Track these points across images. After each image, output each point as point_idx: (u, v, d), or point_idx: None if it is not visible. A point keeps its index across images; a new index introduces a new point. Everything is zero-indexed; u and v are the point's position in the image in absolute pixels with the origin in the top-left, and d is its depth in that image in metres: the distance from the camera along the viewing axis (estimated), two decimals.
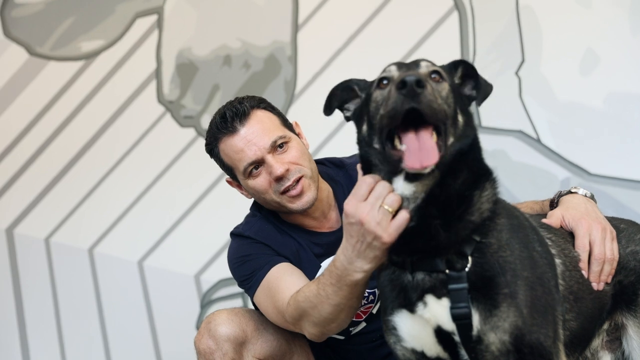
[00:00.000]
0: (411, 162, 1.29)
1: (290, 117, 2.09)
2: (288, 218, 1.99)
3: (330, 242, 1.92)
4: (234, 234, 2.01)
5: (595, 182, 2.84)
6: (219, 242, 3.24)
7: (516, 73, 2.94)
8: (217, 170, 2.14)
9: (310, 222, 1.99)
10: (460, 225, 1.38)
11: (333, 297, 1.57)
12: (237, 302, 3.23)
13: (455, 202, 1.37)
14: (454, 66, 1.47)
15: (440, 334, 1.41)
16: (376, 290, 1.94)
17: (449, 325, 1.38)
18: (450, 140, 1.35)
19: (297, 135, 2.00)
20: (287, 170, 1.88)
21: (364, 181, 1.39)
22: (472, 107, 1.48)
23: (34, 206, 3.50)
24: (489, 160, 1.47)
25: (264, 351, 1.93)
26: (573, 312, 1.54)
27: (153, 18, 3.45)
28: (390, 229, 1.37)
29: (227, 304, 3.22)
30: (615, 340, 1.72)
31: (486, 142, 1.49)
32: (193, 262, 3.32)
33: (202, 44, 3.37)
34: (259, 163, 1.90)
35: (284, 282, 1.81)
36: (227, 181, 2.06)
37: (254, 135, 1.89)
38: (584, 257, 1.62)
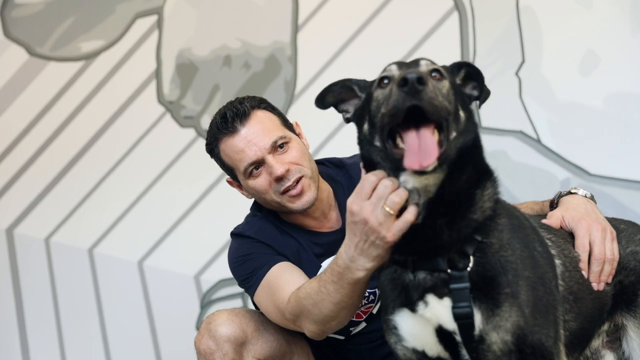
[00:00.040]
0: (410, 162, 1.29)
1: (290, 118, 2.09)
2: (288, 218, 1.99)
3: (330, 242, 1.92)
4: (234, 234, 2.01)
5: (595, 182, 2.84)
6: (219, 242, 3.24)
7: (516, 73, 2.94)
8: (217, 170, 2.14)
9: (310, 222, 1.99)
10: (463, 224, 1.38)
11: (334, 294, 1.57)
12: (237, 303, 3.23)
13: (460, 199, 1.37)
14: (457, 67, 1.47)
15: (442, 333, 1.41)
16: (376, 290, 1.94)
17: (451, 324, 1.38)
18: (453, 134, 1.35)
19: (298, 135, 2.00)
20: (288, 170, 1.88)
21: (367, 179, 1.39)
22: (473, 108, 1.48)
23: (34, 206, 3.50)
24: (489, 160, 1.47)
25: (264, 351, 1.92)
26: (573, 312, 1.54)
27: (153, 18, 3.45)
28: (394, 229, 1.37)
29: (227, 304, 3.22)
30: (616, 341, 1.72)
31: (486, 142, 1.49)
32: (193, 263, 3.32)
33: (202, 44, 3.37)
34: (259, 163, 1.90)
35: (284, 280, 1.81)
36: (228, 181, 2.06)
37: (254, 136, 1.89)
38: (584, 257, 1.62)
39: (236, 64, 3.33)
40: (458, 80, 1.46)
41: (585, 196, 1.79)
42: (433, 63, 1.41)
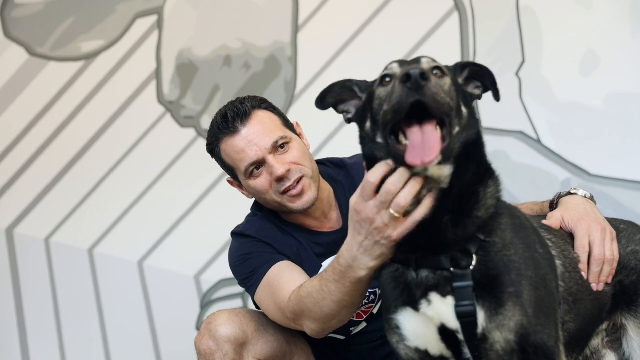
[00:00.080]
0: (412, 158, 1.28)
1: (291, 118, 2.09)
2: (289, 218, 1.99)
3: (331, 242, 1.92)
4: (234, 233, 2.01)
5: (595, 182, 2.84)
6: (219, 242, 3.24)
7: (516, 74, 2.94)
8: (217, 170, 2.14)
9: (311, 222, 1.99)
10: (468, 221, 1.38)
11: (336, 293, 1.57)
12: (237, 303, 3.23)
13: (466, 196, 1.37)
14: (460, 67, 1.47)
15: (444, 332, 1.40)
16: (377, 290, 1.94)
17: (454, 323, 1.38)
18: (456, 129, 1.35)
19: (298, 135, 2.00)
20: (288, 170, 1.88)
21: (368, 181, 1.38)
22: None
23: (34, 206, 3.50)
24: (490, 160, 1.47)
25: (265, 352, 1.92)
26: (572, 313, 1.54)
27: (153, 18, 3.45)
28: (400, 228, 1.37)
29: (227, 304, 3.22)
30: (617, 340, 1.72)
31: (487, 143, 1.49)
32: (193, 263, 3.32)
33: (202, 45, 3.37)
34: (260, 163, 1.90)
35: (285, 279, 1.81)
36: (228, 181, 2.06)
37: (255, 136, 1.89)
38: (583, 258, 1.62)
39: (236, 64, 3.33)
40: (461, 80, 1.46)
41: (585, 196, 1.79)
42: (434, 61, 1.41)
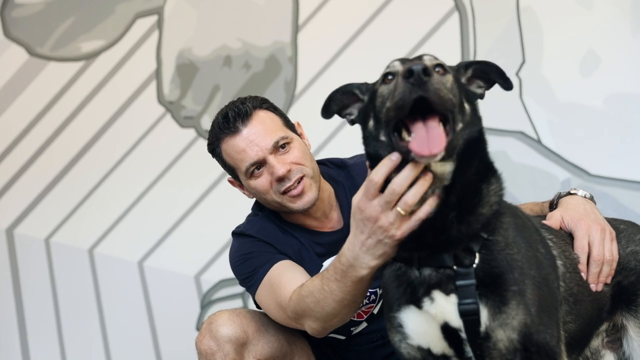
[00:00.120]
0: (419, 148, 1.28)
1: (291, 118, 2.09)
2: (290, 218, 1.99)
3: (332, 242, 1.92)
4: (235, 233, 2.02)
5: (595, 183, 2.84)
6: (219, 242, 3.24)
7: (517, 74, 2.94)
8: (217, 171, 2.15)
9: (311, 222, 1.99)
10: (472, 219, 1.37)
11: (337, 292, 1.57)
12: (238, 303, 3.23)
13: (470, 193, 1.37)
14: (464, 67, 1.47)
15: (447, 330, 1.40)
16: (378, 290, 1.94)
17: (456, 321, 1.38)
18: (460, 125, 1.35)
19: (299, 135, 2.01)
20: (289, 170, 1.89)
21: (372, 180, 1.38)
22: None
23: (34, 206, 3.50)
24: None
25: (265, 352, 1.92)
26: (572, 314, 1.54)
27: (153, 18, 3.45)
28: (404, 227, 1.37)
29: (228, 304, 3.22)
30: (616, 341, 1.72)
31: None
32: (193, 263, 3.32)
33: (203, 45, 3.37)
34: (260, 163, 1.90)
35: (286, 278, 1.81)
36: (229, 181, 2.06)
37: (256, 136, 1.89)
38: (582, 258, 1.62)
39: (236, 64, 3.33)
40: (464, 79, 1.46)
41: (585, 197, 1.79)
42: (436, 58, 1.41)
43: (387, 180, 1.37)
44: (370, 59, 3.03)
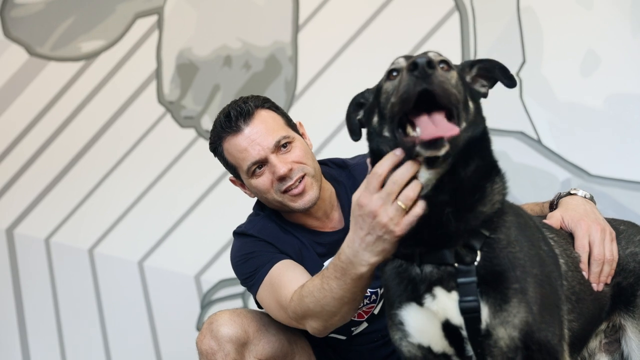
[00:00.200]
0: (429, 133, 1.26)
1: (291, 118, 2.09)
2: (291, 217, 2.00)
3: (333, 242, 1.92)
4: (236, 233, 2.02)
5: (595, 183, 2.84)
6: (220, 242, 3.24)
7: (517, 74, 2.94)
8: (217, 171, 2.15)
9: (312, 222, 1.99)
10: (471, 216, 1.37)
11: (337, 290, 1.57)
12: (238, 303, 3.23)
13: (468, 191, 1.37)
14: (469, 65, 1.47)
15: (448, 328, 1.40)
16: (378, 290, 1.94)
17: (457, 319, 1.38)
18: (463, 125, 1.35)
19: (301, 135, 2.01)
20: (290, 169, 1.89)
21: (375, 173, 1.38)
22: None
23: (34, 206, 3.50)
24: None
25: (266, 352, 1.93)
26: (575, 312, 1.54)
27: (153, 18, 3.45)
28: (403, 223, 1.36)
29: (228, 304, 3.22)
30: (614, 342, 1.72)
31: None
32: (193, 263, 3.32)
33: (203, 44, 3.37)
34: (262, 162, 1.90)
35: (287, 278, 1.81)
36: (231, 180, 2.07)
37: (257, 135, 1.89)
38: (583, 258, 1.62)
39: (236, 64, 3.33)
40: (468, 78, 1.46)
41: (585, 197, 1.79)
42: (440, 55, 1.41)
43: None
44: (371, 59, 3.03)
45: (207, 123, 3.33)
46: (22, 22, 3.58)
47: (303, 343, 2.04)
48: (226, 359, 1.85)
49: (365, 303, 1.95)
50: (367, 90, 1.51)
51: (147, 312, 3.37)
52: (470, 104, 1.39)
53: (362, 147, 1.55)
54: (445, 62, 1.39)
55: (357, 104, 1.52)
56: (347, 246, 1.48)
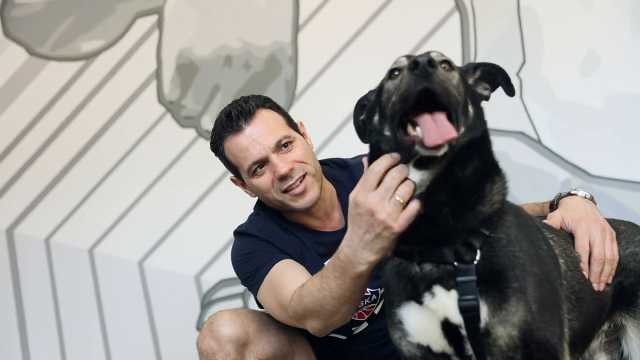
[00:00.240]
0: (432, 140, 1.27)
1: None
2: (292, 217, 2.00)
3: (334, 242, 1.90)
4: (237, 233, 2.02)
5: (595, 183, 2.85)
6: (220, 242, 3.24)
7: (517, 74, 2.94)
8: (217, 171, 2.15)
9: (313, 222, 1.99)
10: (470, 215, 1.37)
11: (336, 289, 1.57)
12: (238, 303, 3.23)
13: (467, 191, 1.37)
14: (473, 68, 1.47)
15: (447, 327, 1.40)
16: (379, 290, 1.94)
17: (457, 317, 1.38)
18: (462, 130, 1.35)
19: (302, 135, 2.01)
20: (291, 169, 1.89)
21: (372, 170, 1.38)
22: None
23: (34, 206, 3.50)
24: None
25: (266, 352, 1.93)
26: (575, 312, 1.54)
27: (153, 18, 3.45)
28: (401, 219, 1.36)
29: (228, 304, 3.22)
30: (614, 342, 1.72)
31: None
32: (193, 263, 3.32)
33: (203, 44, 3.37)
34: (263, 162, 1.90)
35: (288, 277, 1.81)
36: (232, 179, 2.07)
37: (258, 135, 1.89)
38: (584, 257, 1.62)
39: (237, 64, 3.33)
40: (471, 81, 1.46)
41: (585, 197, 1.79)
42: (443, 55, 1.41)
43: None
44: (371, 59, 3.04)
45: (207, 123, 3.33)
46: (22, 21, 3.58)
47: (303, 343, 2.04)
48: (226, 359, 1.85)
49: (365, 303, 1.95)
50: (370, 91, 1.51)
51: (147, 312, 3.37)
52: (470, 108, 1.39)
53: (362, 147, 1.55)
54: (447, 62, 1.38)
55: (361, 106, 1.53)
56: (346, 245, 1.47)
